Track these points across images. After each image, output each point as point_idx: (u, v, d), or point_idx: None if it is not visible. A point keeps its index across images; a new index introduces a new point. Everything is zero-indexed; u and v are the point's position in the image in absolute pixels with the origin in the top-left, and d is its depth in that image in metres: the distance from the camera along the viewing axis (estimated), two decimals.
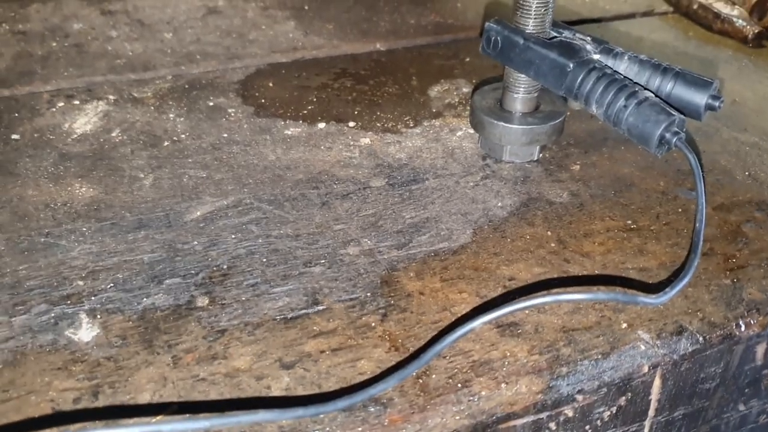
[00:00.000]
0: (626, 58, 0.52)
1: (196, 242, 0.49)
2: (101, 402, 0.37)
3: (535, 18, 0.53)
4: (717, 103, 0.49)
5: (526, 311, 0.44)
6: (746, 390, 0.49)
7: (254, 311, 0.43)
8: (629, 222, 0.52)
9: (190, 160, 0.57)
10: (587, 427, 0.43)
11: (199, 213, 0.51)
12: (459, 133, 0.62)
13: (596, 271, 0.47)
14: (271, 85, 0.69)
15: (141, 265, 0.46)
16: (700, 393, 0.47)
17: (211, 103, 0.65)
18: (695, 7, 0.86)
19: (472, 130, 0.61)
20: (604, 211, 0.53)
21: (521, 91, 0.56)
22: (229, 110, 0.64)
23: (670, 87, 0.50)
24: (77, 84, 0.68)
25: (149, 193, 0.54)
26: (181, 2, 0.86)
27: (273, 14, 0.84)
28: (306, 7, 0.86)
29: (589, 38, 0.53)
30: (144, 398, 0.38)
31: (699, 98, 0.50)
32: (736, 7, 0.85)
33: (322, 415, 0.37)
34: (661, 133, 0.46)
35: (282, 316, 0.43)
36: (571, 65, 0.50)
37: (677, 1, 0.89)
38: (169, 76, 0.70)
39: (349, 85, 0.69)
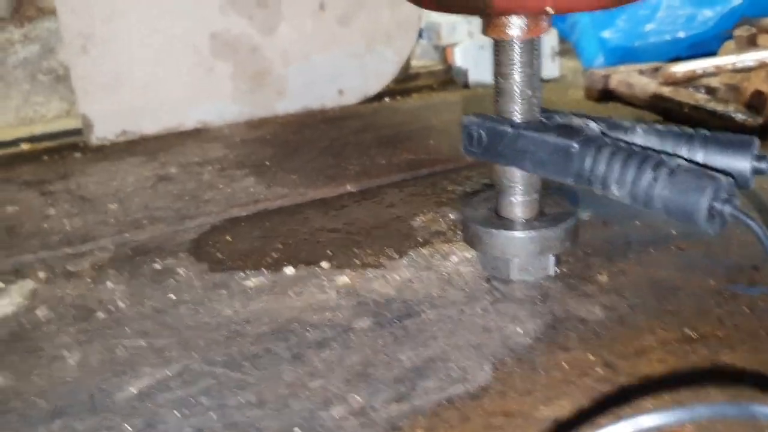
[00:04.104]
0: (639, 130, 0.43)
1: (127, 426, 0.36)
2: None
3: (521, 101, 0.44)
4: (765, 165, 0.40)
5: None
6: None
7: None
8: (687, 330, 0.41)
9: (126, 330, 0.46)
10: None
11: (133, 389, 0.39)
12: (453, 258, 0.51)
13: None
14: (229, 239, 0.59)
15: None
16: None
17: (158, 266, 0.55)
18: (686, 110, 0.80)
19: (468, 254, 0.51)
20: (651, 322, 0.42)
21: (519, 192, 0.46)
22: (179, 270, 0.54)
23: (701, 155, 0.41)
24: (3, 266, 0.58)
25: (72, 372, 0.42)
26: (130, 175, 0.78)
27: (231, 174, 0.76)
28: (267, 163, 0.78)
29: (589, 119, 0.45)
30: None
31: (741, 162, 0.40)
32: (730, 103, 0.78)
33: None
34: (709, 202, 0.36)
35: None
36: (576, 145, 0.41)
37: (667, 110, 0.83)
38: (110, 246, 0.60)
39: (320, 227, 0.60)
